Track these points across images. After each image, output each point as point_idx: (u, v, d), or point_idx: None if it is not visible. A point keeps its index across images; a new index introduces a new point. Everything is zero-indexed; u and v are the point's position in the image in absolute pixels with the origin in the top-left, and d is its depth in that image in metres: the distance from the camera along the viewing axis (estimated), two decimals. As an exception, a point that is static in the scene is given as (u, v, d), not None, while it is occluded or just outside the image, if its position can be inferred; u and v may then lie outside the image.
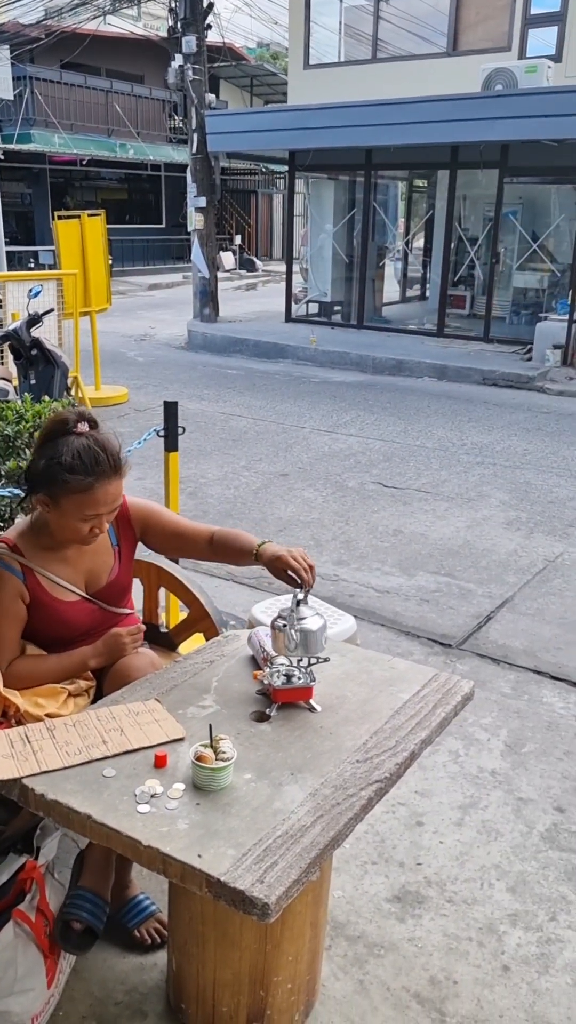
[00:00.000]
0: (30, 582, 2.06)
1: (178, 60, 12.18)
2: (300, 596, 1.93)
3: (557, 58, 11.51)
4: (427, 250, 14.84)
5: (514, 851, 2.53)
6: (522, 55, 11.88)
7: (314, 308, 14.08)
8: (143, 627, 2.21)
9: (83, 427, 2.03)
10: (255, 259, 26.03)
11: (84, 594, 2.16)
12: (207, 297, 13.31)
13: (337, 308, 13.93)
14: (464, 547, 5.00)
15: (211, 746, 1.65)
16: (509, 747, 3.06)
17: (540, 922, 2.27)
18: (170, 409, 3.20)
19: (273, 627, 1.91)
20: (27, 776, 1.62)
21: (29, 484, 2.07)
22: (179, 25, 12.10)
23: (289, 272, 13.86)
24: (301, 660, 1.91)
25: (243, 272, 24.64)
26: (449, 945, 2.19)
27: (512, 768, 2.93)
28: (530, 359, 10.59)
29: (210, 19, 12.35)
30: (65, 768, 1.66)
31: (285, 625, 1.88)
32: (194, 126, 12.44)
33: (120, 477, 2.04)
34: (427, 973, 2.11)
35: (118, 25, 21.62)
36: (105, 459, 2.00)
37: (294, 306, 13.83)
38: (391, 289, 15.14)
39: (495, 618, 4.12)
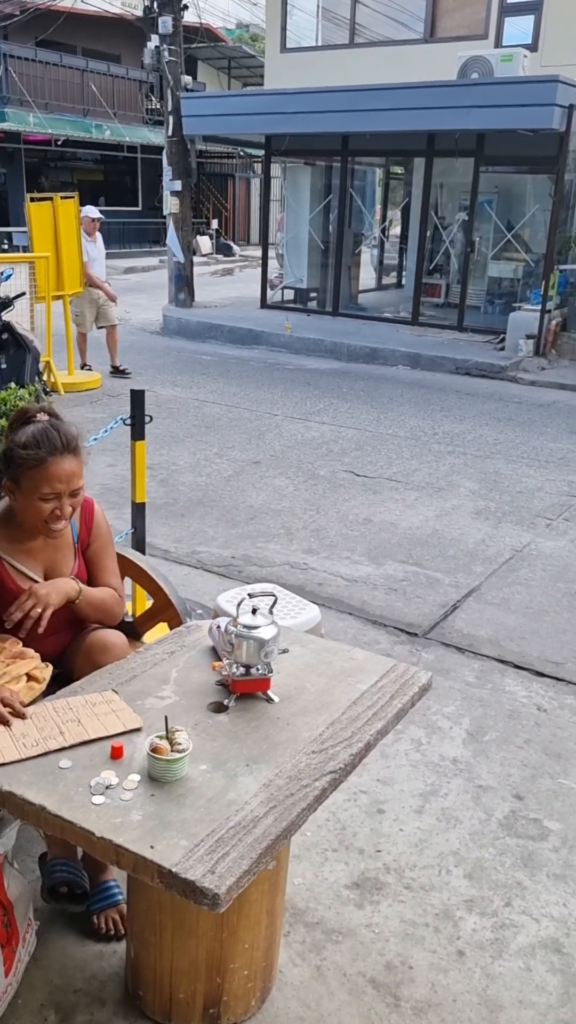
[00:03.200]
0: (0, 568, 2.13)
1: (154, 41, 12.04)
2: (257, 605, 1.94)
3: (533, 47, 11.51)
4: (403, 238, 14.83)
5: (472, 838, 2.58)
6: (499, 43, 11.87)
7: (290, 295, 14.04)
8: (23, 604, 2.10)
9: (42, 416, 2.15)
10: (232, 244, 25.89)
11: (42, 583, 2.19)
12: (182, 282, 13.23)
13: (313, 295, 13.90)
14: (433, 536, 5.03)
15: (167, 737, 1.67)
16: (471, 735, 3.10)
17: (495, 908, 2.32)
18: (137, 398, 3.19)
19: (227, 633, 1.92)
20: None
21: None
22: (155, 5, 11.95)
23: (265, 258, 13.80)
24: (255, 666, 1.91)
25: (220, 257, 24.48)
26: (406, 931, 2.23)
27: (473, 756, 2.97)
28: (503, 349, 10.64)
29: (186, -1, 12.22)
30: (23, 760, 1.66)
31: (238, 635, 1.89)
32: (170, 108, 12.31)
33: (74, 455, 2.13)
34: (383, 958, 2.14)
35: (94, 3, 21.30)
36: (57, 437, 2.11)
37: (270, 292, 13.78)
38: (367, 276, 15.12)
39: (461, 607, 4.16)
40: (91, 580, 2.33)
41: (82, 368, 9.16)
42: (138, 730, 1.77)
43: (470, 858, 2.49)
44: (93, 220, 8.98)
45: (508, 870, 2.45)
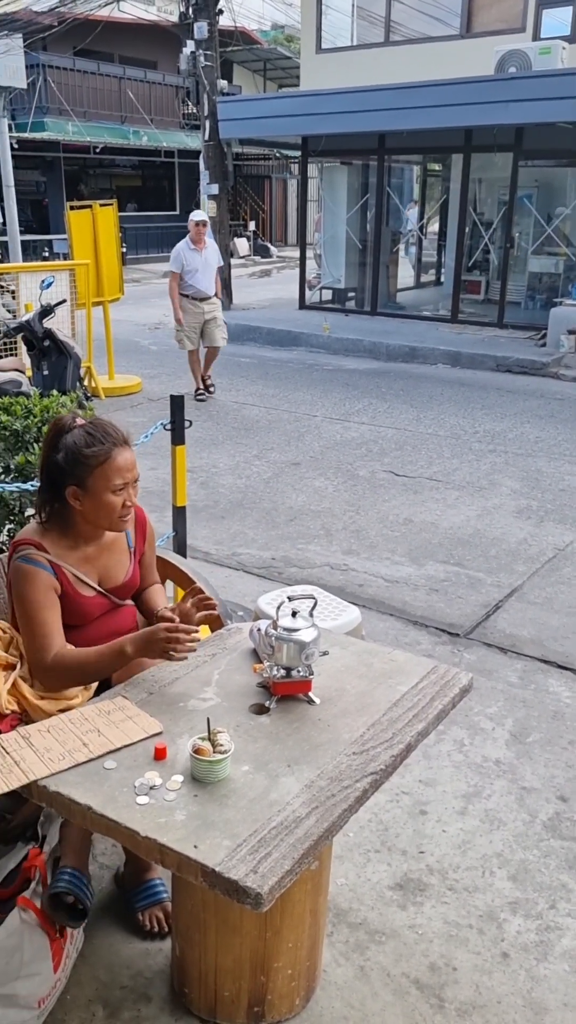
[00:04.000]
0: (59, 576, 2.13)
1: (190, 46, 12.14)
2: (296, 607, 1.95)
3: (572, 39, 11.37)
4: (442, 235, 14.74)
5: (516, 840, 2.56)
6: (536, 36, 11.74)
7: (328, 295, 14.03)
8: (182, 626, 2.00)
9: (79, 420, 2.18)
10: (269, 245, 25.95)
11: (100, 589, 2.23)
12: (220, 285, 13.29)
13: (351, 294, 13.88)
14: (474, 536, 5.00)
15: (209, 739, 1.69)
16: (514, 736, 3.08)
17: (540, 910, 2.30)
18: (176, 403, 3.23)
19: (267, 635, 1.94)
20: (15, 788, 1.65)
21: (52, 484, 2.15)
22: (190, 11, 12.06)
23: (303, 259, 13.82)
24: (295, 668, 1.92)
25: (257, 258, 24.56)
26: (449, 932, 2.23)
27: (517, 757, 2.95)
28: (544, 345, 10.52)
29: (222, 4, 12.29)
30: (53, 775, 1.68)
31: (278, 638, 1.90)
32: (206, 113, 12.40)
33: (130, 447, 2.17)
34: (427, 959, 2.14)
35: (131, 11, 21.51)
36: (112, 429, 2.15)
37: (308, 293, 13.79)
38: (405, 275, 15.05)
39: (503, 607, 4.13)
40: (140, 582, 2.37)
41: (197, 395, 8.20)
42: (159, 733, 1.79)
43: (514, 860, 2.48)
44: (198, 224, 8.08)
45: (553, 872, 2.44)
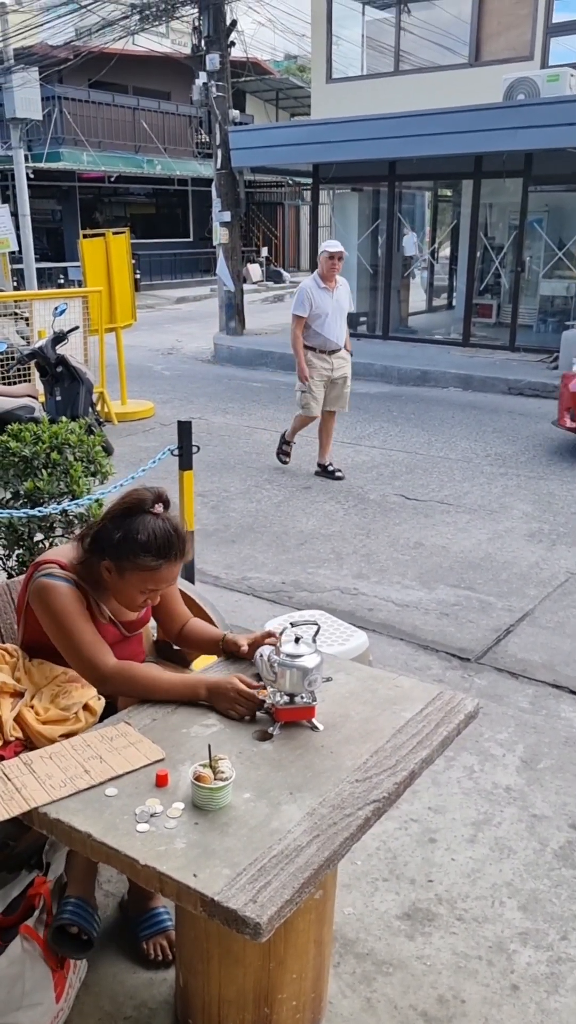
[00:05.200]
0: (82, 595, 2.14)
1: (202, 78, 12.33)
2: (300, 633, 1.95)
3: (581, 65, 11.45)
4: (453, 259, 14.82)
5: (527, 869, 2.52)
6: (544, 64, 11.86)
7: (340, 319, 14.09)
8: (259, 700, 1.98)
9: (159, 508, 2.10)
10: (282, 270, 26.16)
11: (114, 619, 2.23)
12: (233, 310, 13.42)
13: (363, 319, 13.95)
14: (485, 560, 4.98)
15: (210, 765, 1.68)
16: (525, 763, 3.04)
17: (551, 941, 2.26)
18: (184, 428, 3.25)
19: (270, 661, 1.93)
20: (16, 815, 1.65)
21: (97, 546, 2.12)
22: (203, 43, 12.25)
23: (314, 284, 13.90)
24: (299, 694, 1.92)
25: (270, 283, 24.76)
26: (458, 963, 2.19)
27: (527, 784, 2.92)
28: (556, 367, 10.50)
29: (233, 36, 12.49)
30: (54, 802, 1.67)
31: (281, 664, 1.90)
32: (218, 142, 12.57)
33: (181, 562, 2.13)
34: (435, 991, 2.11)
35: (145, 44, 21.92)
36: (177, 544, 2.08)
37: (320, 318, 13.85)
38: (417, 299, 15.12)
39: (515, 632, 4.10)
40: (170, 614, 2.36)
41: (282, 452, 6.89)
42: (161, 760, 1.78)
43: (524, 889, 2.44)
44: (332, 257, 6.25)
45: (564, 902, 2.40)
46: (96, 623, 2.15)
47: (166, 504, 2.13)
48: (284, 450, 6.92)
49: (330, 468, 6.67)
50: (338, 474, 6.61)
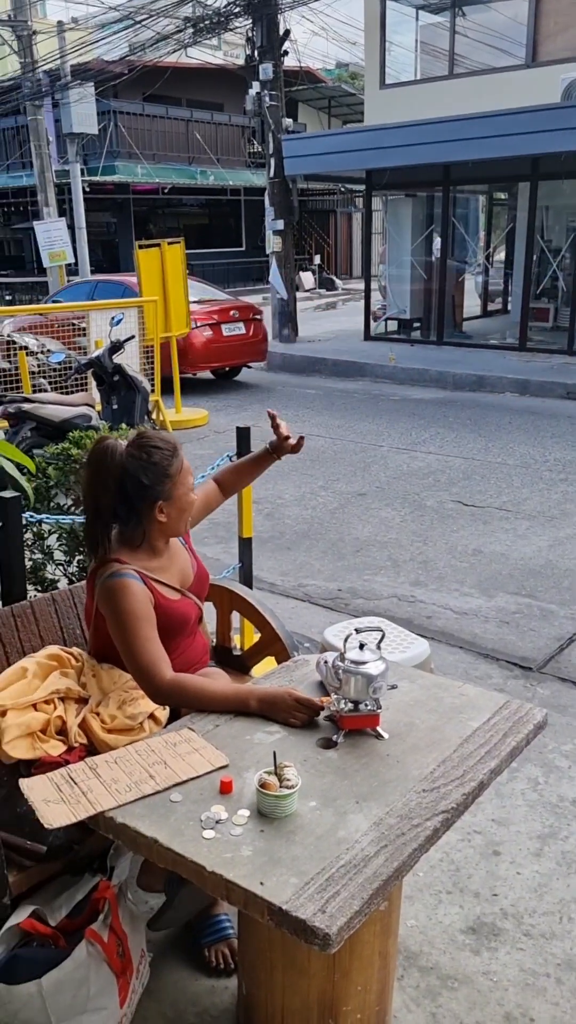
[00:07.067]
0: (149, 587, 2.15)
1: (255, 87, 12.41)
2: (364, 640, 1.92)
3: None
4: (508, 263, 14.64)
5: (595, 884, 2.45)
6: (603, 62, 11.65)
7: (393, 325, 14.05)
8: (319, 706, 1.96)
9: (122, 442, 2.22)
10: (334, 278, 26.15)
11: (184, 591, 2.27)
12: (286, 318, 13.45)
13: (416, 325, 13.87)
14: (546, 567, 4.88)
15: (276, 773, 1.66)
16: (591, 775, 2.96)
17: (622, 960, 2.19)
18: (242, 434, 3.25)
19: (334, 668, 1.91)
20: (83, 819, 1.65)
21: (129, 507, 2.17)
22: (256, 54, 12.33)
23: (367, 291, 13.88)
24: (363, 702, 1.89)
25: (322, 291, 24.77)
26: (526, 980, 2.14)
27: (594, 797, 2.84)
28: (616, 371, 10.30)
29: (286, 45, 12.55)
30: (120, 807, 1.67)
31: (345, 671, 1.87)
32: (271, 151, 12.63)
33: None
34: (502, 1008, 2.06)
35: (198, 56, 22.17)
36: (161, 435, 2.24)
37: (373, 324, 13.83)
38: (472, 304, 14.98)
39: (578, 640, 4.01)
40: (203, 500, 2.48)
41: None
42: (225, 766, 1.77)
43: (593, 906, 2.37)
44: None
45: None
46: (172, 605, 2.18)
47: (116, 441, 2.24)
48: None
49: None
50: None
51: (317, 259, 26.54)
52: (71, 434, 3.33)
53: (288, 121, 12.91)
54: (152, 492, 2.15)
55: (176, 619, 2.20)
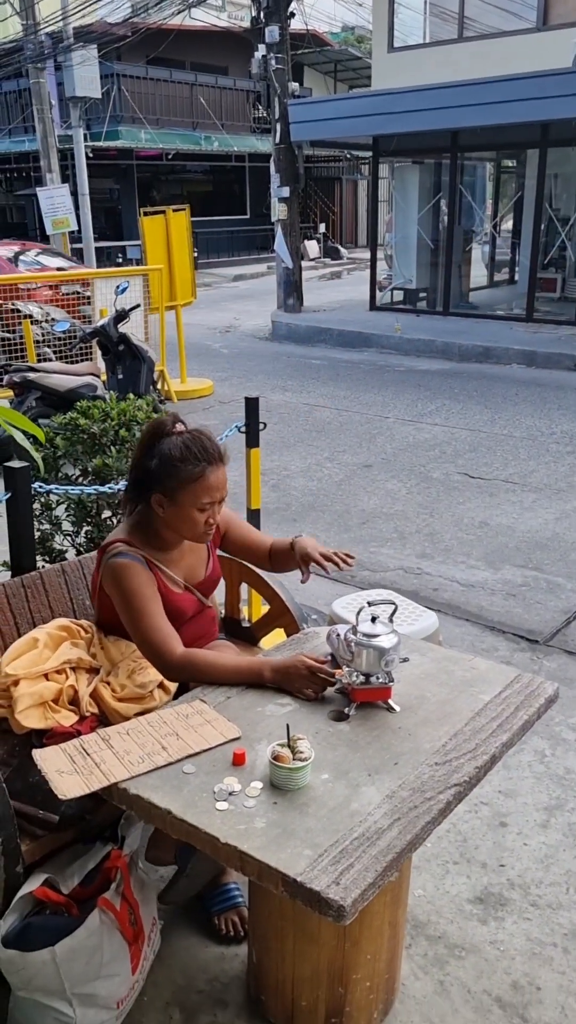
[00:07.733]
0: (154, 573, 2.14)
1: (261, 50, 12.18)
2: (376, 613, 1.91)
3: None
4: (516, 232, 14.45)
5: (602, 856, 2.47)
6: (616, 26, 11.41)
7: (399, 296, 13.91)
8: (323, 669, 1.96)
9: (180, 427, 2.14)
10: (339, 247, 25.89)
11: (188, 585, 2.24)
12: (291, 287, 13.33)
13: (422, 295, 13.72)
14: (553, 540, 4.87)
15: (289, 745, 1.66)
16: (598, 748, 2.97)
17: (628, 930, 2.21)
18: (251, 405, 3.23)
19: (346, 641, 1.90)
20: (96, 791, 1.66)
21: (139, 487, 2.15)
22: (262, 15, 12.09)
23: (373, 260, 13.73)
24: (375, 674, 1.88)
25: (327, 260, 24.54)
26: (532, 950, 2.16)
27: (601, 770, 2.85)
28: (624, 343, 10.21)
29: (293, 7, 12.29)
30: (133, 778, 1.67)
31: (358, 643, 1.86)
32: (277, 116, 12.42)
33: (225, 464, 2.14)
34: (509, 977, 2.08)
35: (202, 19, 21.76)
36: (211, 446, 2.11)
37: (379, 294, 13.70)
38: (478, 274, 14.81)
39: (584, 613, 4.01)
40: (250, 545, 2.39)
41: None
42: (237, 738, 1.78)
43: (600, 877, 2.39)
44: None
45: None
46: (172, 596, 2.16)
47: (184, 424, 2.17)
48: None
49: None
50: None
51: (322, 227, 26.26)
52: (78, 404, 3.31)
53: (294, 85, 12.69)
54: (153, 478, 2.10)
55: (171, 611, 2.17)
